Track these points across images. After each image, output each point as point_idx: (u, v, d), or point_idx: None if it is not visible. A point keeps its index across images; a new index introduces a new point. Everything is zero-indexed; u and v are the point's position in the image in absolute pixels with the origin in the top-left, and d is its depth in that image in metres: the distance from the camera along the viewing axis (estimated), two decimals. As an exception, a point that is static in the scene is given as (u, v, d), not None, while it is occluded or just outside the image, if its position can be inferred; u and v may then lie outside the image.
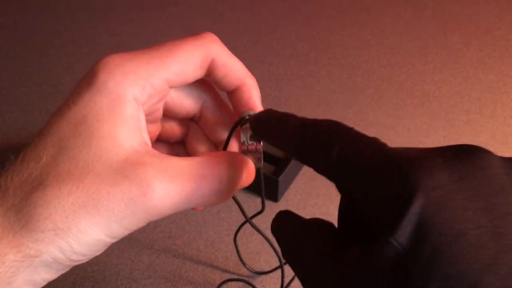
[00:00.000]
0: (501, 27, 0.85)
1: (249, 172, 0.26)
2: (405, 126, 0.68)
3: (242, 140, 0.27)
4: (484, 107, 0.71)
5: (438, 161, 0.17)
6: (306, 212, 0.57)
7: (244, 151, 0.27)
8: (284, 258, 0.23)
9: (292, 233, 0.23)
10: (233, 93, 0.28)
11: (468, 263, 0.15)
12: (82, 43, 0.84)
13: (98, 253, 0.22)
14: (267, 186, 0.57)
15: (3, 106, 0.73)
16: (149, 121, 0.27)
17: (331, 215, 0.57)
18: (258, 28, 0.87)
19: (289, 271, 0.50)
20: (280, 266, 0.36)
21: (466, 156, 0.17)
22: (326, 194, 0.59)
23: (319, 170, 0.22)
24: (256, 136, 0.27)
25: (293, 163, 0.58)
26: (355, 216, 0.20)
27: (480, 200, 0.16)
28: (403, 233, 0.16)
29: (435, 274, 0.15)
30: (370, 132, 0.71)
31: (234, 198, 0.29)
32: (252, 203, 0.56)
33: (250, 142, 0.26)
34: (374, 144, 0.19)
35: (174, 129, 0.30)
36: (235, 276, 0.52)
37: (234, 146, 0.29)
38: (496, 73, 0.76)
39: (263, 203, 0.32)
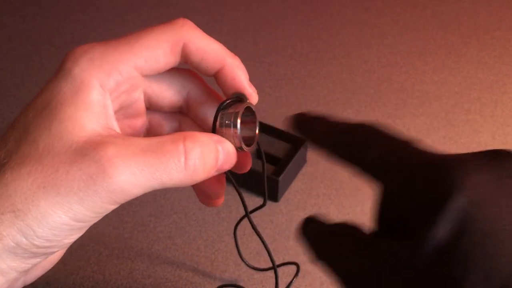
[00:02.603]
0: (501, 27, 0.85)
1: (227, 155, 0.24)
2: (405, 126, 0.68)
3: (220, 123, 0.25)
4: (484, 107, 0.71)
5: (477, 162, 0.19)
6: (306, 212, 0.57)
7: (226, 134, 0.25)
8: (319, 261, 0.23)
9: (325, 236, 0.23)
10: (218, 77, 0.26)
11: (505, 256, 0.16)
12: (82, 43, 0.83)
13: (67, 240, 0.21)
14: (267, 186, 0.57)
15: (3, 106, 0.73)
16: (131, 114, 0.27)
17: (331, 215, 0.57)
18: (258, 28, 0.87)
19: (282, 273, 0.50)
20: (273, 268, 0.35)
21: (501, 159, 0.19)
22: (326, 194, 0.59)
23: (359, 169, 0.23)
24: (250, 122, 0.27)
25: (293, 163, 0.58)
26: (392, 214, 0.21)
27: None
28: (444, 228, 0.17)
29: (473, 267, 0.16)
30: (370, 132, 0.69)
31: (237, 191, 0.28)
32: (251, 202, 0.56)
33: (235, 127, 0.25)
34: (412, 147, 0.22)
35: (161, 123, 0.29)
36: (235, 276, 0.52)
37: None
38: (496, 73, 0.76)
39: (265, 198, 0.32)
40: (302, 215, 0.57)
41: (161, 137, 0.22)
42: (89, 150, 0.20)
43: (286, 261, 0.52)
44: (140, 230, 0.56)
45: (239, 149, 0.25)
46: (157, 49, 0.24)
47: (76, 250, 0.54)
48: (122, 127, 0.27)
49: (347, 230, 0.22)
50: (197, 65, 0.26)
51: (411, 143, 0.22)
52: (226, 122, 0.25)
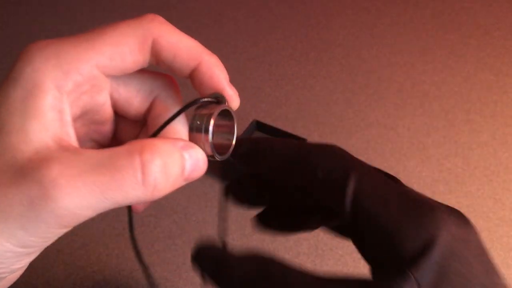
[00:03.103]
0: (501, 27, 0.85)
1: (195, 162, 0.21)
2: (405, 126, 0.68)
3: (191, 126, 0.22)
4: (484, 107, 0.71)
5: (451, 214, 0.20)
6: (306, 212, 0.57)
7: (196, 139, 0.23)
8: None
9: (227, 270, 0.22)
10: (193, 77, 0.23)
11: None
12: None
13: (16, 266, 0.20)
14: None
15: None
16: (98, 120, 0.25)
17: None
18: (258, 28, 0.87)
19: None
20: None
21: (464, 220, 0.20)
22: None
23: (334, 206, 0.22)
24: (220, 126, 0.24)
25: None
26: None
27: (483, 261, 0.19)
28: (426, 270, 0.18)
29: None
30: (370, 132, 0.70)
31: (141, 261, 0.25)
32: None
33: (206, 132, 0.22)
34: (389, 183, 0.21)
35: (129, 129, 0.27)
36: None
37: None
38: (496, 73, 0.76)
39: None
40: (302, 215, 0.57)
41: (115, 149, 0.19)
42: (31, 170, 0.18)
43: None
44: (140, 230, 0.56)
45: (210, 157, 0.22)
46: (123, 45, 0.21)
47: (76, 250, 0.54)
48: (88, 132, 0.25)
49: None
50: (170, 64, 0.23)
51: (387, 180, 0.21)
52: (197, 124, 0.22)
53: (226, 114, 0.23)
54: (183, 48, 0.22)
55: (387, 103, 0.72)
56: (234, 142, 0.24)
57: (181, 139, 0.22)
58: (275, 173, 0.23)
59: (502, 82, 0.75)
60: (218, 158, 0.23)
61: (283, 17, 0.89)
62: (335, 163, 0.22)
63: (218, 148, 0.23)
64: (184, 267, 0.52)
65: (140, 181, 0.19)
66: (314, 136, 0.66)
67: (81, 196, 0.18)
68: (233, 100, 0.24)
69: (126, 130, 0.27)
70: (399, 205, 0.20)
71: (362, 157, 0.62)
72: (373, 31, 0.85)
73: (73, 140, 0.21)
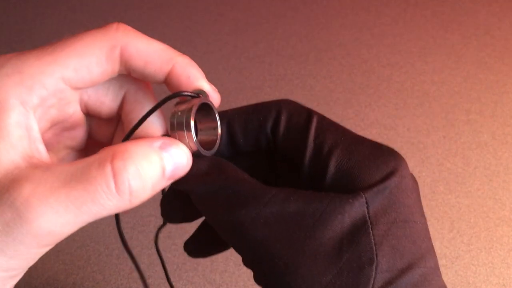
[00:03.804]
0: (501, 27, 0.85)
1: (178, 161, 0.21)
2: (405, 126, 0.68)
3: (171, 122, 0.21)
4: (484, 107, 0.71)
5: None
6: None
7: (179, 136, 0.21)
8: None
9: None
10: (169, 82, 0.22)
11: (408, 244, 0.19)
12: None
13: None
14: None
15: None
16: (69, 127, 0.24)
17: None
18: (258, 28, 0.87)
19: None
20: None
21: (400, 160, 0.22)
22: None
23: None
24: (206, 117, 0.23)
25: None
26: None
27: (419, 203, 0.21)
28: (378, 194, 0.20)
29: (386, 242, 0.19)
30: (370, 132, 0.71)
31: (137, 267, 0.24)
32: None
33: (188, 128, 0.21)
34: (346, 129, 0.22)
35: (102, 129, 0.26)
36: (235, 277, 0.52)
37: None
38: (496, 73, 0.76)
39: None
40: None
41: (87, 159, 0.19)
42: (1, 193, 0.18)
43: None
44: (140, 230, 0.56)
45: (195, 153, 0.21)
46: (89, 56, 0.20)
47: (76, 250, 0.54)
48: (61, 140, 0.24)
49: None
50: (142, 71, 0.22)
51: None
52: (178, 119, 0.21)
53: (208, 109, 0.23)
54: (154, 53, 0.22)
55: (387, 103, 0.72)
56: (219, 135, 0.23)
57: (159, 137, 0.21)
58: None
59: (502, 82, 0.75)
60: (204, 153, 0.22)
61: (283, 17, 0.89)
62: (294, 110, 0.23)
63: (203, 144, 0.22)
64: (184, 267, 0.52)
65: (114, 190, 0.18)
66: (314, 136, 0.66)
67: (56, 213, 0.18)
68: (214, 95, 0.23)
69: (101, 130, 0.26)
70: (362, 144, 0.21)
71: (362, 157, 0.62)
72: (373, 31, 0.85)
73: (43, 156, 0.20)
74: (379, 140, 0.71)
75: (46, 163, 0.19)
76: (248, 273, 0.52)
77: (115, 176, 0.18)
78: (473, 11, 0.89)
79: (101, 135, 0.26)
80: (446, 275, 0.51)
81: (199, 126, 0.23)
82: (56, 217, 0.18)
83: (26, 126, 0.20)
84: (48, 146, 0.23)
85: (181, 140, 0.21)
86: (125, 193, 0.18)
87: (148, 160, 0.19)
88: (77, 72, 0.20)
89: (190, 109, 0.21)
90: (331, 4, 0.91)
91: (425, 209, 0.61)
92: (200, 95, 0.22)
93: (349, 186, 0.20)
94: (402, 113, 0.70)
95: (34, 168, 0.19)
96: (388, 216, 0.19)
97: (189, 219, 0.28)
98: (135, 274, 0.52)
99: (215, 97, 0.23)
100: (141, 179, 0.19)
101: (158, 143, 0.20)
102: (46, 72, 0.20)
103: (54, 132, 0.24)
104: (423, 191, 0.59)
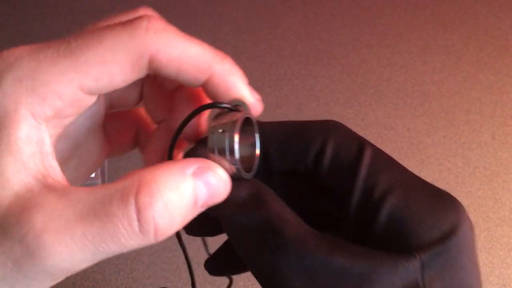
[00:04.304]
0: (501, 27, 0.85)
1: (214, 189, 0.18)
2: (405, 126, 0.68)
3: (211, 142, 0.19)
4: (484, 107, 0.71)
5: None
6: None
7: (219, 158, 0.19)
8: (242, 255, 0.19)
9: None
10: (207, 90, 0.20)
11: None
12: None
13: None
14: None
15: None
16: (94, 139, 0.22)
17: (331, 215, 0.57)
18: (258, 28, 0.87)
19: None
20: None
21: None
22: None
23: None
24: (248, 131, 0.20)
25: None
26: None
27: (476, 261, 0.19)
28: (436, 257, 0.17)
29: None
30: (370, 132, 0.70)
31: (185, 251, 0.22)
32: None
33: (231, 152, 0.18)
34: (401, 166, 0.19)
35: (123, 98, 0.23)
36: (234, 277, 0.52)
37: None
38: (496, 73, 0.76)
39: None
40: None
41: (109, 188, 0.16)
42: (12, 224, 0.16)
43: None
44: (140, 230, 0.56)
45: (234, 176, 0.19)
46: (111, 65, 0.18)
47: (76, 250, 0.54)
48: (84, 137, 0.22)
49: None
50: (174, 78, 0.19)
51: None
52: (218, 139, 0.18)
53: (247, 122, 0.20)
54: (188, 61, 0.19)
55: (387, 103, 0.72)
56: (257, 157, 0.20)
57: (194, 160, 0.18)
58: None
59: (502, 82, 0.75)
60: (245, 176, 0.19)
61: (283, 17, 0.89)
62: (342, 139, 0.19)
63: (242, 163, 0.19)
64: (184, 267, 0.52)
65: (137, 230, 0.16)
66: (314, 136, 0.66)
67: (71, 253, 0.16)
68: (256, 106, 0.20)
69: (122, 100, 0.23)
70: (420, 190, 0.18)
71: (362, 157, 0.62)
72: (373, 31, 0.85)
73: (57, 173, 0.18)
74: (379, 140, 0.72)
75: (61, 185, 0.17)
76: (248, 273, 0.52)
77: (139, 213, 0.16)
78: (473, 11, 0.89)
79: (122, 104, 0.23)
80: (446, 275, 0.51)
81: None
82: (70, 256, 0.16)
83: (37, 140, 0.17)
84: (59, 159, 0.20)
85: (220, 162, 0.18)
86: (149, 232, 0.16)
87: (179, 192, 0.17)
88: (97, 82, 0.18)
89: (233, 127, 0.18)
90: (331, 4, 0.91)
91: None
92: (240, 108, 0.20)
93: (402, 241, 0.18)
94: (402, 113, 0.70)
95: (48, 191, 0.17)
96: (443, 281, 0.17)
97: (211, 234, 0.26)
98: (135, 274, 0.52)
99: (257, 109, 0.20)
100: (169, 215, 0.16)
101: (191, 168, 0.17)
102: (62, 81, 0.17)
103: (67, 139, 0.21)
104: (423, 191, 0.59)
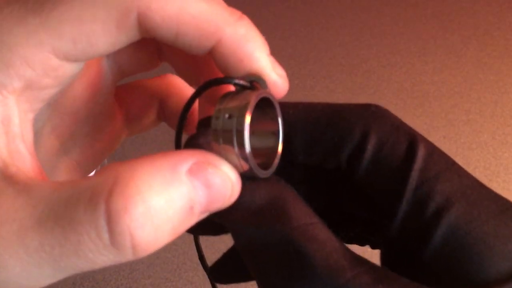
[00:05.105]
0: (501, 27, 0.85)
1: (216, 192, 0.14)
2: (405, 126, 0.68)
3: (214, 127, 0.14)
4: (484, 107, 0.71)
5: None
6: (306, 212, 0.57)
7: (224, 149, 0.14)
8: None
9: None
10: (215, 59, 0.15)
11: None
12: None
13: None
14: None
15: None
16: (103, 114, 0.18)
17: (331, 215, 0.57)
18: (258, 28, 0.87)
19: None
20: None
21: None
22: (326, 194, 0.59)
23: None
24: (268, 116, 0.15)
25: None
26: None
27: None
28: None
29: None
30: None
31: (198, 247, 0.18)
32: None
33: (240, 142, 0.14)
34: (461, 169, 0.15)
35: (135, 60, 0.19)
36: (235, 276, 0.52)
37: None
38: (496, 73, 0.76)
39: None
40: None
41: (76, 187, 0.13)
42: None
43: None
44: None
45: (247, 174, 0.14)
46: (91, 23, 0.14)
47: (76, 250, 0.54)
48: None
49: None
50: (173, 43, 0.15)
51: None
52: (224, 123, 0.14)
53: (266, 104, 0.15)
54: (189, 21, 0.14)
55: (387, 103, 0.72)
56: (280, 147, 0.16)
57: (191, 153, 0.13)
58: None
59: (502, 82, 0.75)
60: (260, 174, 0.14)
61: (283, 17, 0.89)
62: (388, 132, 0.15)
63: (256, 156, 0.15)
64: (184, 267, 0.52)
65: (108, 243, 0.12)
66: (314, 136, 0.66)
67: (26, 267, 0.12)
68: (277, 84, 0.16)
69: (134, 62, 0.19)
70: (487, 206, 0.14)
71: (362, 157, 0.62)
72: (373, 31, 0.85)
73: (26, 160, 0.14)
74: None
75: (25, 177, 0.14)
76: (248, 273, 0.52)
77: (110, 222, 0.12)
78: (473, 11, 0.89)
79: (135, 69, 0.19)
80: (446, 275, 0.51)
81: (251, 128, 0.15)
82: (26, 272, 0.13)
83: (2, 119, 0.14)
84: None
85: (227, 155, 0.14)
86: (125, 247, 0.12)
87: (168, 195, 0.12)
88: (75, 44, 0.14)
89: (244, 111, 0.14)
90: (331, 4, 0.91)
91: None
92: (257, 85, 0.15)
93: (462, 273, 0.13)
94: (402, 113, 0.70)
95: (6, 185, 0.13)
96: None
97: (214, 233, 0.21)
98: (135, 274, 0.52)
99: (279, 88, 0.16)
100: (153, 225, 0.12)
101: (186, 164, 0.13)
102: (30, 44, 0.14)
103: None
104: (423, 191, 0.59)
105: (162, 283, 0.51)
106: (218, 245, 0.54)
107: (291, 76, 0.76)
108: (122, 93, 0.20)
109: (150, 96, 0.20)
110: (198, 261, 0.49)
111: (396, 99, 0.72)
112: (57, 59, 0.14)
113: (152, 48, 0.19)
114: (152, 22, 0.14)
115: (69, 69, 0.15)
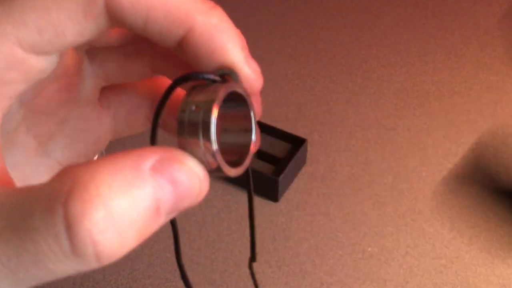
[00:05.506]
0: (501, 27, 0.85)
1: (185, 188, 0.13)
2: (405, 126, 0.67)
3: (180, 120, 0.13)
4: (484, 107, 0.71)
5: None
6: (306, 212, 0.57)
7: (191, 144, 0.13)
8: None
9: None
10: (186, 50, 0.15)
11: None
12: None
13: None
14: (266, 186, 0.57)
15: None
16: (84, 114, 0.18)
17: (331, 214, 0.57)
18: (258, 28, 0.87)
19: (282, 274, 0.50)
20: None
21: None
22: (326, 194, 0.59)
23: None
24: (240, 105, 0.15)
25: (293, 163, 0.58)
26: None
27: None
28: None
29: None
30: (370, 132, 0.71)
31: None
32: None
33: (205, 135, 0.13)
34: None
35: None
36: (235, 277, 0.52)
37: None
38: (496, 73, 0.76)
39: (252, 248, 0.21)
40: (302, 215, 0.57)
41: (32, 192, 0.12)
42: None
43: (286, 261, 0.52)
44: (140, 230, 0.56)
45: (215, 172, 0.14)
46: (57, 10, 0.13)
47: (76, 250, 0.54)
48: (55, 99, 0.17)
49: None
50: (142, 32, 0.14)
51: None
52: (191, 116, 0.13)
53: (238, 98, 0.15)
54: (159, 6, 0.14)
55: (387, 103, 0.72)
56: (252, 145, 0.15)
57: (154, 149, 0.13)
58: None
59: (502, 82, 0.75)
60: (228, 172, 0.14)
61: (283, 17, 0.89)
62: None
63: (228, 153, 0.14)
64: (184, 267, 0.52)
65: (69, 251, 0.11)
66: (314, 136, 0.66)
67: None
68: (250, 78, 0.15)
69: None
70: None
71: (362, 157, 0.62)
72: (373, 31, 0.85)
73: None
74: (379, 140, 0.72)
75: None
76: (248, 273, 0.52)
77: (69, 230, 0.11)
78: (473, 11, 0.89)
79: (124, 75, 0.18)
80: (446, 275, 0.51)
81: (222, 125, 0.15)
82: None
83: None
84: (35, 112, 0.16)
85: (193, 150, 0.13)
86: (87, 255, 0.11)
87: (131, 196, 0.11)
88: (40, 34, 0.13)
89: (211, 103, 0.13)
90: (331, 4, 0.91)
91: (425, 209, 0.61)
92: (228, 77, 0.15)
93: None
94: (402, 113, 0.70)
95: None
96: None
97: None
98: (135, 274, 0.52)
99: (252, 82, 0.15)
100: (117, 229, 0.11)
101: (149, 161, 0.12)
102: None
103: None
104: (423, 191, 0.59)
105: (162, 283, 0.51)
106: (218, 245, 0.54)
107: (291, 76, 0.76)
108: (110, 94, 0.19)
109: (140, 98, 0.20)
110: (198, 261, 0.49)
111: (396, 99, 0.72)
112: (23, 51, 0.13)
113: (145, 58, 0.18)
114: (121, 7, 0.13)
115: (37, 62, 0.14)
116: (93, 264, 0.12)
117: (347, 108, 0.71)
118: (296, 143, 0.60)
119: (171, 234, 0.60)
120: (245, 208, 0.56)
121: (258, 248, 0.54)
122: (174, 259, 0.53)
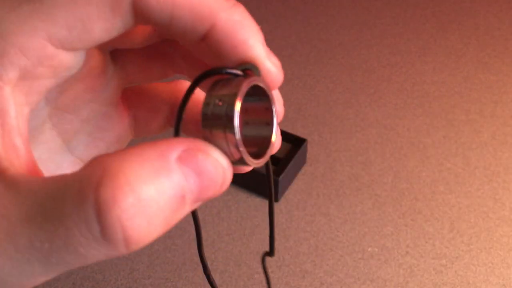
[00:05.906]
0: (501, 27, 0.85)
1: (207, 179, 0.13)
2: (405, 126, 0.67)
3: (204, 114, 0.14)
4: (484, 107, 0.71)
5: None
6: (306, 212, 0.57)
7: (214, 136, 0.14)
8: None
9: None
10: (209, 45, 0.15)
11: None
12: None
13: None
14: (266, 186, 0.56)
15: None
16: (106, 114, 0.18)
17: (331, 214, 0.57)
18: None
19: (282, 274, 0.50)
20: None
21: None
22: (326, 194, 0.59)
23: None
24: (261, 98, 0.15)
25: (293, 163, 0.58)
26: None
27: None
28: None
29: None
30: (370, 132, 0.71)
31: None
32: (251, 202, 0.56)
33: (229, 127, 0.13)
34: None
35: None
36: (235, 277, 0.52)
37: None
38: (496, 73, 0.76)
39: (271, 243, 0.21)
40: (302, 215, 0.57)
41: (63, 181, 0.12)
42: None
43: (286, 261, 0.52)
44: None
45: (238, 163, 0.14)
46: (86, 6, 0.14)
47: (76, 250, 0.54)
48: (77, 96, 0.18)
49: None
50: (167, 30, 0.15)
51: None
52: (214, 110, 0.14)
53: (259, 93, 0.15)
54: (184, 3, 0.14)
55: (387, 103, 0.72)
56: (274, 135, 0.16)
57: (180, 140, 0.13)
58: None
59: (502, 82, 0.75)
60: (251, 163, 0.14)
61: (283, 17, 0.89)
62: None
63: (249, 145, 0.15)
64: (184, 267, 0.52)
65: (99, 237, 0.12)
66: (314, 136, 0.66)
67: (17, 265, 0.12)
68: (271, 72, 0.16)
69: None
70: None
71: (362, 157, 0.62)
72: (373, 31, 0.85)
73: (21, 155, 0.14)
74: (379, 140, 0.72)
75: (15, 173, 0.13)
76: (248, 273, 0.52)
77: (100, 215, 0.11)
78: (473, 11, 0.89)
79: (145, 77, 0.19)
80: (446, 275, 0.51)
81: (244, 117, 0.16)
82: (17, 270, 0.12)
83: None
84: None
85: (217, 142, 0.14)
86: (117, 240, 0.12)
87: (158, 185, 0.12)
88: (70, 30, 0.14)
89: (234, 97, 0.13)
90: (331, 4, 0.91)
91: (425, 209, 0.61)
92: (250, 72, 0.15)
93: None
94: (402, 113, 0.70)
95: None
96: None
97: None
98: (135, 274, 0.52)
99: (274, 77, 0.16)
100: (145, 216, 0.12)
101: (176, 152, 0.13)
102: (25, 31, 0.13)
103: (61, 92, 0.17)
104: (423, 191, 0.59)
105: (162, 283, 0.51)
106: (218, 245, 0.54)
107: (291, 76, 0.76)
108: (132, 95, 0.20)
109: (160, 101, 0.20)
110: (198, 261, 0.49)
111: (396, 99, 0.72)
112: (53, 47, 0.14)
113: (166, 60, 0.19)
114: (147, 4, 0.14)
115: (65, 58, 0.14)
116: (121, 249, 0.12)
117: (347, 108, 0.71)
118: (296, 143, 0.60)
119: (170, 234, 0.60)
120: (245, 208, 0.56)
121: (258, 248, 0.54)
122: (174, 259, 0.53)
